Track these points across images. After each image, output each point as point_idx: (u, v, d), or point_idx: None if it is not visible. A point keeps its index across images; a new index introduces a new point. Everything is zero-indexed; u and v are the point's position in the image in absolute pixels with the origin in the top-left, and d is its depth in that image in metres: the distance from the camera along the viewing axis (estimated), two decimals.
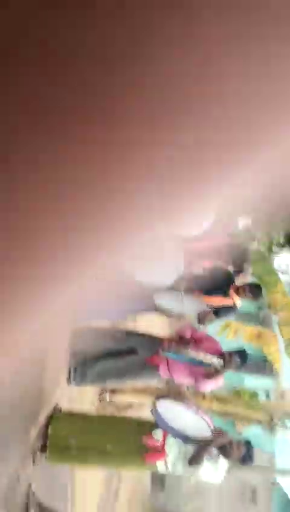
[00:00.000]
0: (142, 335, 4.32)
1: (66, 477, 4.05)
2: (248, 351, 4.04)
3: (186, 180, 0.43)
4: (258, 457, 4.26)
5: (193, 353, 3.58)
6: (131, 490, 6.74)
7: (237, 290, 4.06)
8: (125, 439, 3.38)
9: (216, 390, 5.42)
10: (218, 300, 3.96)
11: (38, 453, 3.31)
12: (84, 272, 0.49)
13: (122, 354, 3.96)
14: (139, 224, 0.47)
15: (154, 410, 3.31)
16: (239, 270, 4.75)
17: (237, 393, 5.44)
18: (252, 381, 11.52)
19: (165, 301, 3.71)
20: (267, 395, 9.90)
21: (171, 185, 0.42)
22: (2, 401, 3.05)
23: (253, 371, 14.23)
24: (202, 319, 3.85)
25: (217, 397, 5.32)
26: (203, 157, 0.41)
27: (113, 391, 5.40)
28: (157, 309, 3.74)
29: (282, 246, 7.31)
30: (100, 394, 5.28)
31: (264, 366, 14.03)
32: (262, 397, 6.67)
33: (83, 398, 4.48)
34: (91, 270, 0.49)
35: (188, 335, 3.97)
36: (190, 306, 3.73)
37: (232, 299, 4.06)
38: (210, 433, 3.18)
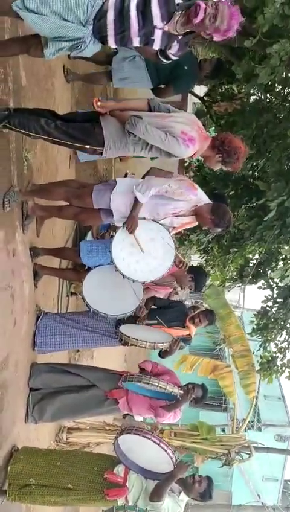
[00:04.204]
0: (101, 369, 4.32)
1: None
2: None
3: None
4: (216, 496, 4.26)
5: (154, 381, 3.60)
6: None
7: (193, 320, 4.18)
8: (86, 477, 3.30)
9: (174, 426, 5.42)
10: (176, 332, 4.05)
11: None
12: None
13: (82, 389, 3.93)
14: None
15: (116, 445, 3.28)
16: (194, 306, 4.90)
17: (195, 428, 5.44)
18: (207, 417, 11.53)
19: (134, 332, 3.75)
20: (223, 429, 9.95)
21: None
22: None
23: (208, 406, 14.32)
24: (170, 349, 3.89)
25: (175, 432, 5.31)
26: None
27: (70, 430, 5.27)
28: (125, 341, 3.77)
29: (234, 280, 7.59)
30: (57, 434, 5.14)
31: (219, 401, 14.14)
32: (218, 431, 6.69)
33: (40, 438, 4.35)
34: None
35: (148, 368, 4.02)
36: (157, 337, 3.79)
37: (189, 329, 4.16)
38: (172, 466, 3.18)
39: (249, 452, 5.23)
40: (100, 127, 3.04)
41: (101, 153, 3.13)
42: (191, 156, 3.26)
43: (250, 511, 13.11)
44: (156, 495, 3.21)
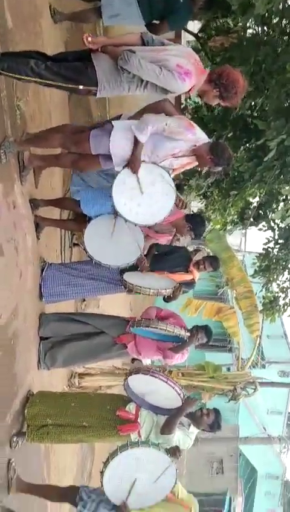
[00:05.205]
0: (108, 316, 4.42)
1: (41, 461, 4.11)
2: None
3: None
4: (224, 430, 4.47)
5: (161, 325, 3.69)
6: None
7: (197, 265, 4.21)
8: (100, 415, 3.48)
9: (181, 367, 5.61)
10: (179, 277, 4.09)
11: (15, 437, 3.35)
12: None
13: (90, 336, 4.04)
14: None
15: (126, 385, 3.42)
16: (196, 249, 4.91)
17: (202, 368, 5.63)
18: (213, 358, 11.89)
19: (137, 280, 3.79)
20: (229, 369, 10.30)
21: None
22: None
23: (214, 348, 14.74)
24: (174, 294, 3.96)
25: (183, 373, 5.51)
26: None
27: (81, 375, 5.47)
28: (129, 289, 3.82)
29: (235, 223, 7.59)
30: (69, 379, 5.34)
31: (224, 342, 14.53)
32: (224, 370, 6.93)
33: (53, 383, 4.53)
34: None
35: (153, 315, 4.09)
36: (160, 283, 3.84)
37: (193, 274, 4.21)
38: (180, 402, 3.33)
39: (254, 387, 5.44)
40: (92, 65, 2.92)
41: (96, 94, 3.03)
42: (188, 92, 3.13)
43: (256, 442, 13.84)
44: (166, 428, 3.38)
